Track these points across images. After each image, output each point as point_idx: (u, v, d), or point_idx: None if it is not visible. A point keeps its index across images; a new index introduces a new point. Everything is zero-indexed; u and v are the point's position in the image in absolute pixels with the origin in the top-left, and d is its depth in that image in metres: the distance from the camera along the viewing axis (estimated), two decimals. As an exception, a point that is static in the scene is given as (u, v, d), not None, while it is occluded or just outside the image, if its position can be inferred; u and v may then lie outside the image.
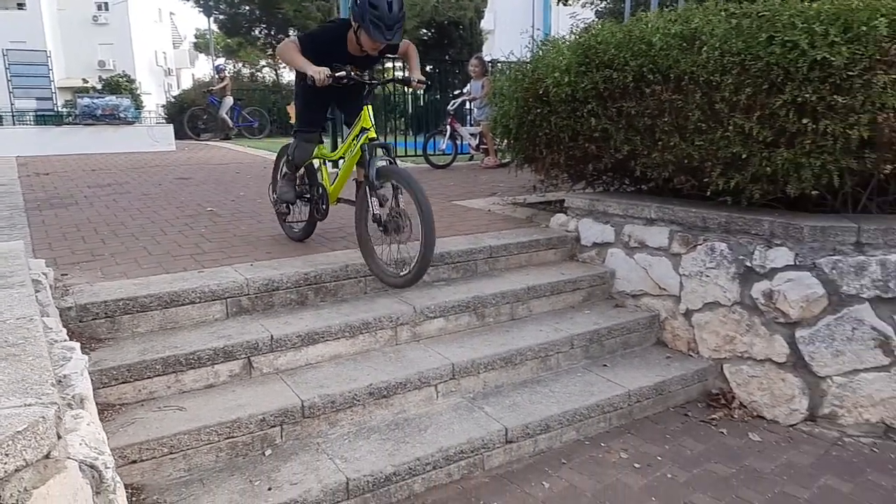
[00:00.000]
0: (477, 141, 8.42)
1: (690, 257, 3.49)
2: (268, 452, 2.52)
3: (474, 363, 3.03)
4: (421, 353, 3.08)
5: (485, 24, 23.54)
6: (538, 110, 4.21)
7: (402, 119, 12.14)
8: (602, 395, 3.06)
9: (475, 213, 4.99)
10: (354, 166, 3.54)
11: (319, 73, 3.11)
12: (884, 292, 2.91)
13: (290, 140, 3.90)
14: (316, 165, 3.88)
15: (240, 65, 27.85)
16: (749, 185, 3.25)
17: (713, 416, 3.20)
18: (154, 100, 31.34)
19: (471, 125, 8.89)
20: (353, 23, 3.20)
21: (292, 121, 18.17)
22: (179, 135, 13.37)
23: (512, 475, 2.68)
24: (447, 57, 20.18)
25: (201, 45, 32.40)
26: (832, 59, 2.80)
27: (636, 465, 2.76)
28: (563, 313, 3.66)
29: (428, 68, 16.93)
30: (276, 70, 26.93)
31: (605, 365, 3.39)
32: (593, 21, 5.23)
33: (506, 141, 4.98)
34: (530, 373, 3.22)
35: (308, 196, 3.86)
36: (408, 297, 3.35)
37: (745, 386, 3.27)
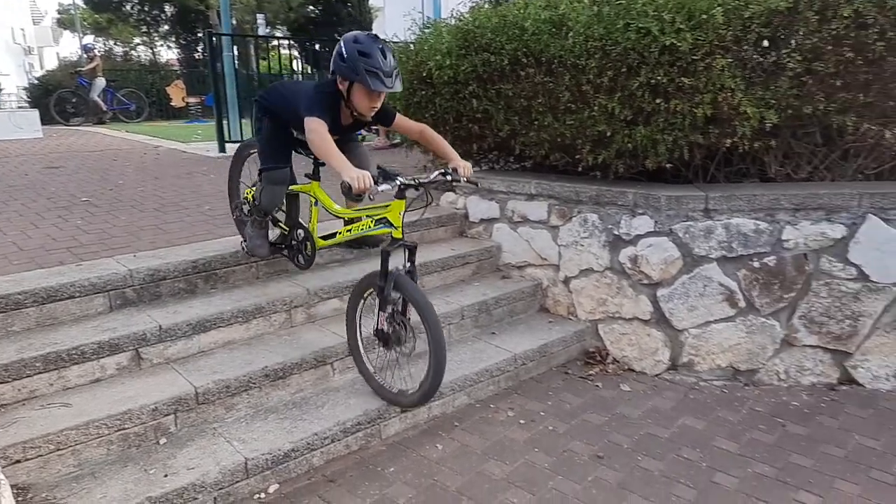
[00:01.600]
0: (369, 121, 8.43)
1: (567, 228, 3.76)
2: (162, 441, 2.52)
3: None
4: (317, 334, 3.16)
5: (374, 0, 23.31)
6: (423, 92, 4.33)
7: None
8: (491, 361, 3.28)
9: (367, 194, 5.06)
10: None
11: (361, 179, 2.36)
12: (728, 252, 3.30)
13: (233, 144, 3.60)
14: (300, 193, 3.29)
15: (111, 43, 25.91)
16: (614, 161, 3.56)
17: (590, 372, 3.51)
18: (13, 81, 28.55)
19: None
20: (339, 86, 2.66)
21: (173, 103, 17.23)
22: (46, 120, 12.34)
23: (408, 441, 2.84)
24: (336, 35, 19.85)
25: (66, 21, 29.81)
26: (679, 44, 3.11)
27: (521, 422, 3.00)
28: (454, 287, 3.84)
29: (317, 46, 16.61)
30: (152, 49, 25.34)
31: (493, 332, 3.61)
32: (478, 2, 5.40)
33: (394, 122, 5.07)
34: (423, 345, 3.35)
35: (284, 245, 3.29)
36: (301, 279, 3.40)
37: (617, 343, 3.60)
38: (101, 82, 13.96)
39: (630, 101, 3.34)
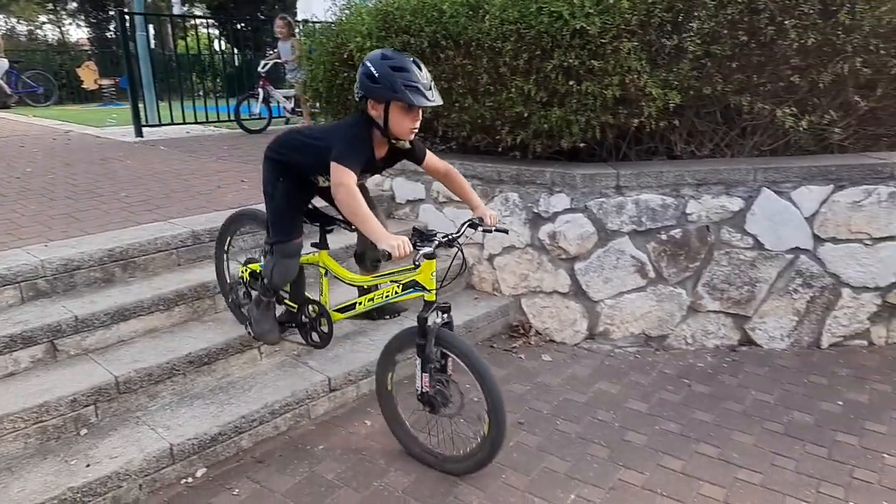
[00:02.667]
0: (292, 104, 8.30)
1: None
2: (83, 432, 2.48)
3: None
4: (241, 318, 3.15)
5: (297, -20, 22.70)
6: (346, 74, 4.33)
7: (217, 81, 11.52)
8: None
9: (293, 178, 5.03)
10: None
11: (402, 247, 2.11)
12: (638, 226, 3.50)
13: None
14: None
15: (13, 21, 24.20)
16: (532, 141, 3.69)
17: (514, 344, 3.66)
18: None
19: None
20: (372, 113, 2.28)
21: (85, 85, 16.29)
22: (-58, 104, 11.50)
23: (337, 419, 2.90)
24: (259, 14, 19.25)
25: (-41, -4, 27.61)
26: (588, 28, 3.25)
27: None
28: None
29: (239, 26, 16.07)
30: (59, 27, 23.83)
31: (420, 311, 3.69)
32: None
33: (319, 104, 5.04)
34: (351, 325, 3.42)
35: (293, 323, 2.92)
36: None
37: (539, 316, 3.76)
38: (3, 63, 13.07)
39: (545, 83, 3.47)
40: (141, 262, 3.24)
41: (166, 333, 2.98)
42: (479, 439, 2.41)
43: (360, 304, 2.68)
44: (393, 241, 2.11)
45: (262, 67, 8.06)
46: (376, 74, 2.22)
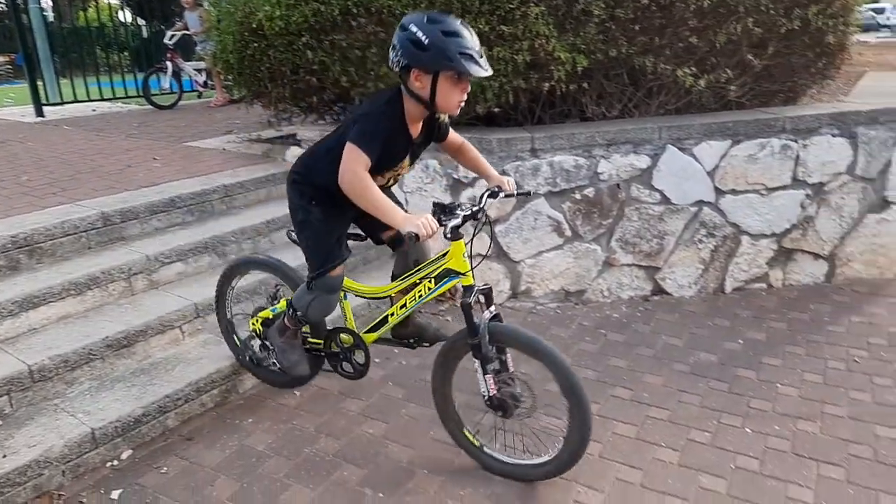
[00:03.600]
0: (203, 77, 7.99)
1: (410, 176, 3.91)
2: (-3, 424, 2.40)
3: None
4: (161, 299, 3.09)
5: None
6: (256, 44, 4.21)
7: (123, 54, 10.91)
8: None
9: (209, 154, 4.90)
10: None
11: (426, 224, 1.90)
12: (554, 187, 3.62)
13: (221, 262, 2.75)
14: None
15: None
16: (449, 107, 3.72)
17: (441, 308, 3.74)
18: None
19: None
20: (416, 86, 1.97)
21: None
22: None
23: (266, 392, 2.91)
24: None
25: None
26: (496, -7, 3.29)
27: (377, 361, 3.16)
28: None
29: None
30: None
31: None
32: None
33: (230, 76, 4.89)
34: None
35: (322, 353, 2.64)
36: (138, 246, 3.29)
37: (464, 279, 3.86)
38: None
39: (457, 48, 3.49)
40: (48, 248, 3.11)
41: (81, 319, 2.89)
42: (563, 432, 2.15)
43: (393, 314, 2.38)
44: (416, 219, 1.90)
45: (169, 39, 7.70)
46: (425, 41, 1.89)
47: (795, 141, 3.64)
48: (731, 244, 3.76)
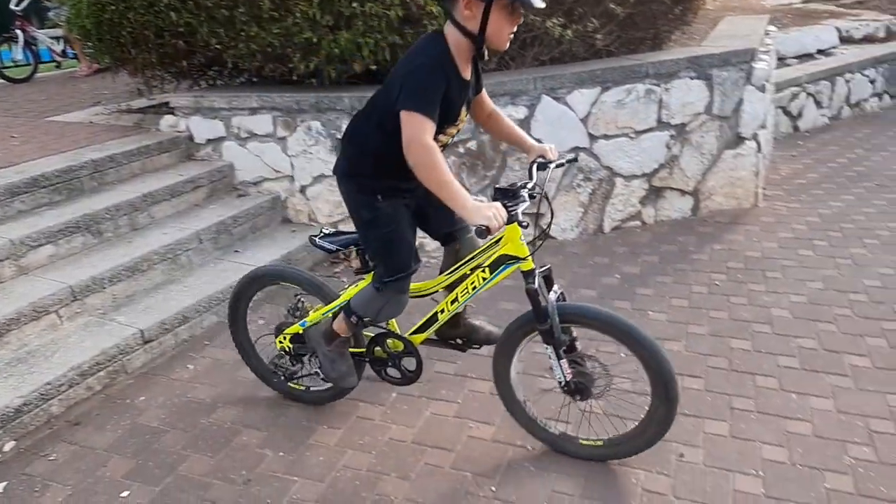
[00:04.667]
0: (62, 46, 7.36)
1: (294, 138, 3.85)
2: None
3: (96, 280, 3.00)
4: (32, 285, 2.93)
5: None
6: (113, 7, 3.95)
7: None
8: (235, 277, 3.32)
9: (75, 128, 4.58)
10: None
11: (498, 215, 1.72)
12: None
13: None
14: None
15: None
16: (326, 67, 3.68)
17: (336, 270, 3.77)
18: None
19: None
20: (465, 10, 1.75)
21: None
22: None
23: (157, 369, 2.85)
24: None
25: None
26: (363, -53, 3.25)
27: (272, 326, 3.15)
28: (188, 212, 3.75)
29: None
30: None
31: (237, 251, 3.65)
32: None
33: (89, 43, 4.56)
34: (162, 275, 3.31)
35: (365, 359, 2.40)
36: (2, 230, 3.07)
37: (357, 239, 3.89)
38: None
39: (329, 6, 3.44)
40: None
41: (-59, 313, 2.69)
42: (645, 408, 2.04)
43: (444, 310, 2.16)
44: (486, 210, 1.71)
45: (16, 5, 6.98)
46: None
47: (658, 85, 3.88)
48: (607, 187, 4.00)
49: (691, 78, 3.91)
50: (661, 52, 4.18)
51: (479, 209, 1.72)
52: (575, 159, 2.20)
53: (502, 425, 2.36)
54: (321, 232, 2.28)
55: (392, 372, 2.36)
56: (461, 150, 3.71)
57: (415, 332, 2.24)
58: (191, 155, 4.18)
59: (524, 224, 1.85)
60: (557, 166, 2.13)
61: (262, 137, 3.94)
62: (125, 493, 2.14)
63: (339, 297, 2.32)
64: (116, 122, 4.59)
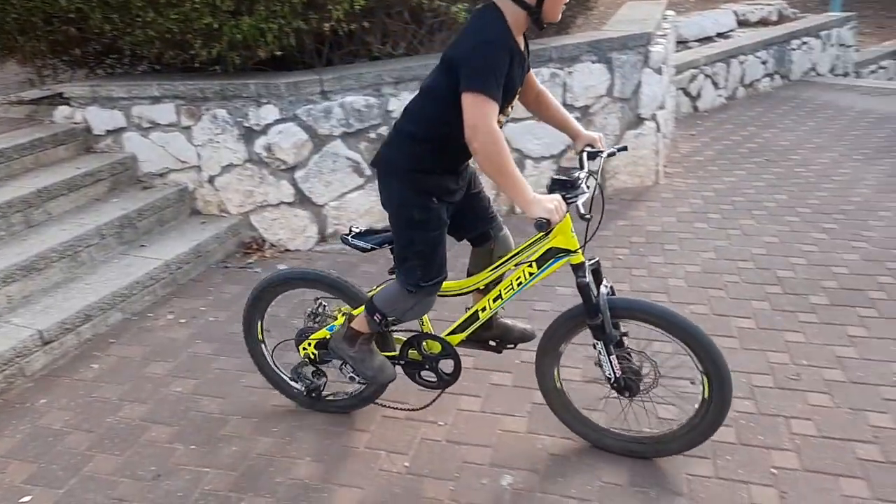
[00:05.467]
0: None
1: (199, 128, 3.75)
2: None
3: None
4: (-87, 289, 2.75)
5: None
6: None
7: None
8: (141, 272, 3.25)
9: (-42, 122, 4.27)
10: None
11: (559, 209, 1.69)
12: (348, 128, 3.68)
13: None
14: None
15: None
16: (229, 53, 3.59)
17: (249, 261, 3.72)
18: None
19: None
20: None
21: None
22: None
23: (59, 371, 2.74)
24: None
25: None
26: (261, -70, 3.18)
27: (182, 321, 3.10)
28: (88, 207, 3.60)
29: None
30: None
31: (143, 245, 3.54)
32: None
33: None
34: (62, 274, 3.17)
35: (400, 363, 2.26)
36: None
37: (270, 229, 3.84)
38: None
39: (229, -10, 3.36)
40: None
41: None
42: (694, 405, 2.00)
43: (485, 307, 2.06)
44: (548, 203, 1.66)
45: None
46: None
47: (562, 69, 4.01)
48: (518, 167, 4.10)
49: (593, 62, 4.06)
50: (565, 37, 4.31)
51: (539, 202, 1.67)
52: (625, 148, 2.13)
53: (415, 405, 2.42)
54: (350, 230, 2.18)
55: (427, 375, 2.23)
56: (372, 135, 3.72)
57: (452, 333, 2.14)
58: (89, 147, 3.99)
59: (588, 216, 1.77)
60: (609, 155, 2.04)
61: (165, 127, 3.81)
62: (26, 499, 2.07)
63: (367, 297, 2.18)
64: (5, 114, 4.31)
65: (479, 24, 1.73)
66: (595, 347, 1.99)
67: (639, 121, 4.28)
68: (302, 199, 3.75)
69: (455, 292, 2.11)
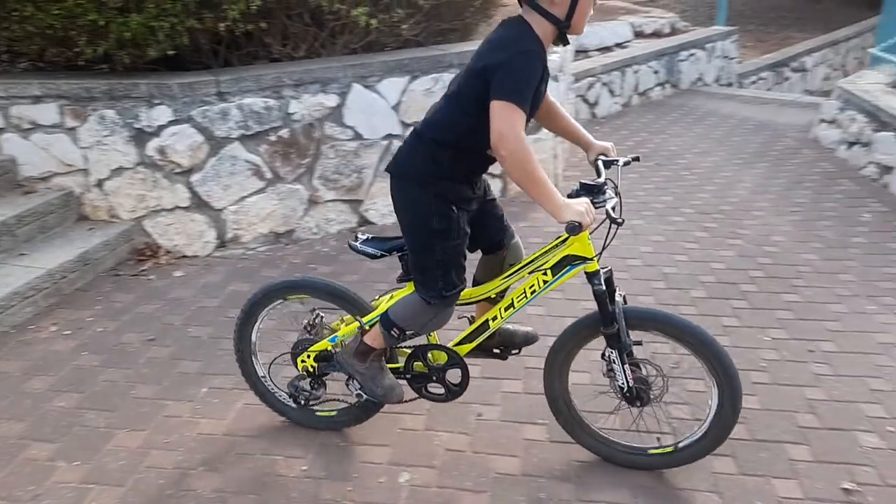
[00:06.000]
0: None
1: (86, 129, 3.56)
2: None
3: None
4: None
5: None
6: None
7: None
8: (21, 282, 3.05)
9: None
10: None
11: (589, 212, 1.71)
12: (247, 130, 3.61)
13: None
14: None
15: None
16: (118, 52, 3.44)
17: (143, 268, 3.56)
18: None
19: None
20: (553, 5, 1.69)
21: None
22: None
23: (-76, 391, 2.54)
24: None
25: None
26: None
27: (67, 333, 2.94)
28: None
29: None
30: None
31: (22, 254, 3.32)
32: None
33: None
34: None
35: (406, 377, 2.19)
36: None
37: (166, 234, 3.70)
38: None
39: (115, -14, 3.22)
40: None
41: None
42: (708, 410, 2.01)
43: (496, 316, 2.03)
44: (578, 206, 1.68)
45: None
46: None
47: (463, 74, 4.10)
48: (422, 171, 4.16)
49: (492, 68, 4.17)
50: (466, 43, 4.42)
51: (569, 206, 1.68)
52: (637, 158, 2.12)
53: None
54: (356, 236, 2.09)
55: (434, 388, 2.18)
56: (273, 137, 3.67)
57: (460, 343, 2.11)
58: (-39, 149, 3.70)
59: (620, 221, 1.79)
60: (624, 164, 2.05)
61: (48, 128, 3.59)
62: None
63: (370, 308, 2.15)
64: None
65: (513, 35, 1.74)
66: (604, 357, 2.01)
67: (538, 126, 4.44)
68: (199, 204, 3.64)
69: (466, 301, 2.07)
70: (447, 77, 4.05)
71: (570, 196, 1.79)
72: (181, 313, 3.11)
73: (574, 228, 1.67)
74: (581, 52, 7.61)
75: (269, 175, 3.72)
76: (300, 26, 3.92)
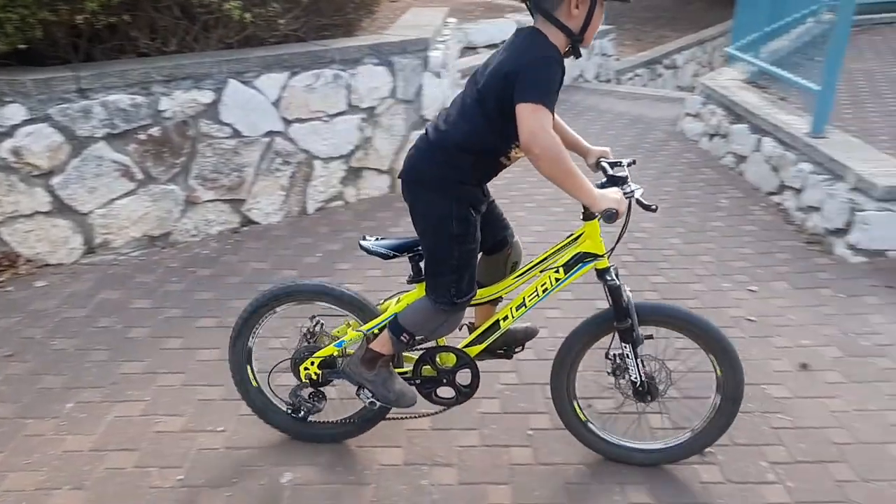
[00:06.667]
0: None
1: None
2: None
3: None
4: None
5: None
6: None
7: None
8: None
9: None
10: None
11: (622, 200, 1.76)
12: (113, 129, 3.41)
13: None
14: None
15: None
16: (-41, 45, 3.15)
17: (0, 279, 3.29)
18: None
19: None
20: (574, 9, 1.70)
21: None
22: None
23: None
24: None
25: None
26: None
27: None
28: None
29: None
30: None
31: None
32: None
33: None
34: None
35: (414, 381, 2.12)
36: None
37: (25, 242, 3.42)
38: None
39: (-50, -28, 2.95)
40: None
41: None
42: (712, 401, 2.06)
43: (507, 316, 2.03)
44: (613, 195, 1.74)
45: None
46: None
47: (345, 71, 4.08)
48: (307, 169, 4.12)
49: (374, 64, 4.19)
50: (348, 39, 4.40)
51: (604, 195, 1.73)
52: (633, 162, 2.08)
53: (194, 414, 2.34)
54: (364, 237, 2.04)
55: (444, 392, 2.15)
56: (142, 136, 3.49)
57: (471, 344, 2.10)
58: None
59: (653, 207, 1.84)
60: (629, 164, 2.03)
61: None
62: None
63: (376, 312, 2.09)
64: None
65: (532, 42, 1.77)
66: (607, 356, 2.06)
67: (423, 122, 4.50)
68: (61, 208, 3.40)
69: (475, 302, 2.05)
70: (328, 73, 4.02)
71: (600, 187, 1.83)
72: (43, 325, 2.91)
73: (611, 216, 1.72)
74: (469, 49, 7.77)
75: (140, 175, 3.54)
76: (170, 19, 3.75)
